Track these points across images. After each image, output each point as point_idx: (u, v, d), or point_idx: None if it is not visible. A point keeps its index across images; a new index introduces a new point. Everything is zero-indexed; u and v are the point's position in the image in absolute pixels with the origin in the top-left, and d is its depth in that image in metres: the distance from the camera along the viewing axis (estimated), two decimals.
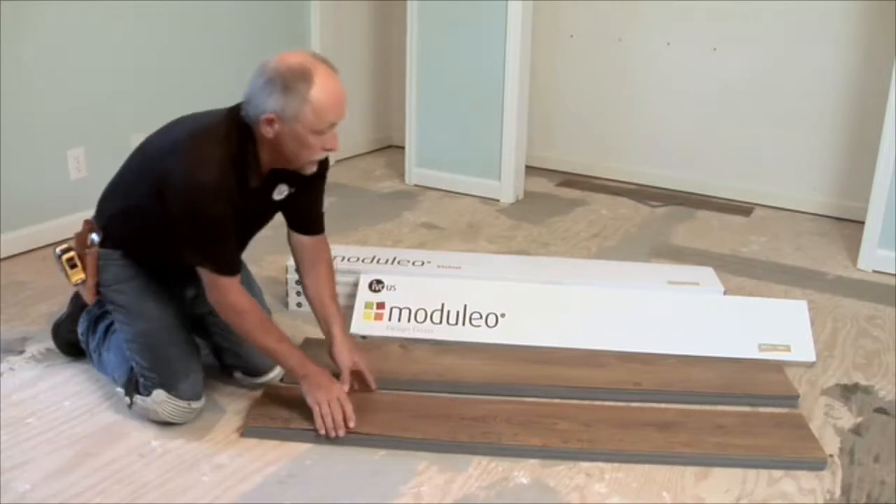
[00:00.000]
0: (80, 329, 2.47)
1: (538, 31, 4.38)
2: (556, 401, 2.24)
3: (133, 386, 2.21)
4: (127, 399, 2.23)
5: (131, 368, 2.22)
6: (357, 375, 2.29)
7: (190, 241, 2.06)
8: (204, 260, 2.08)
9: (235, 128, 2.04)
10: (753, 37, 4.21)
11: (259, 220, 2.29)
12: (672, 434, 2.18)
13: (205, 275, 2.10)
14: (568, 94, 4.78)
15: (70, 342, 2.52)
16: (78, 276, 2.28)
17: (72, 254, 2.28)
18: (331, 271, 2.37)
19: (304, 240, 2.34)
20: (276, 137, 1.99)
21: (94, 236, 2.27)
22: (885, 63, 3.54)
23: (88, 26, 3.43)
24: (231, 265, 2.11)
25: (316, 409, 2.12)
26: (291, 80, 1.93)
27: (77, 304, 2.52)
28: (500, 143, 4.22)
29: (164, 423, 2.17)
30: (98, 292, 2.28)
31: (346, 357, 2.27)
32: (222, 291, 2.10)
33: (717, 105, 4.38)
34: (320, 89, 1.94)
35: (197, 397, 2.20)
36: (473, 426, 2.17)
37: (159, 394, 2.15)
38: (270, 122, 1.97)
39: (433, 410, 2.25)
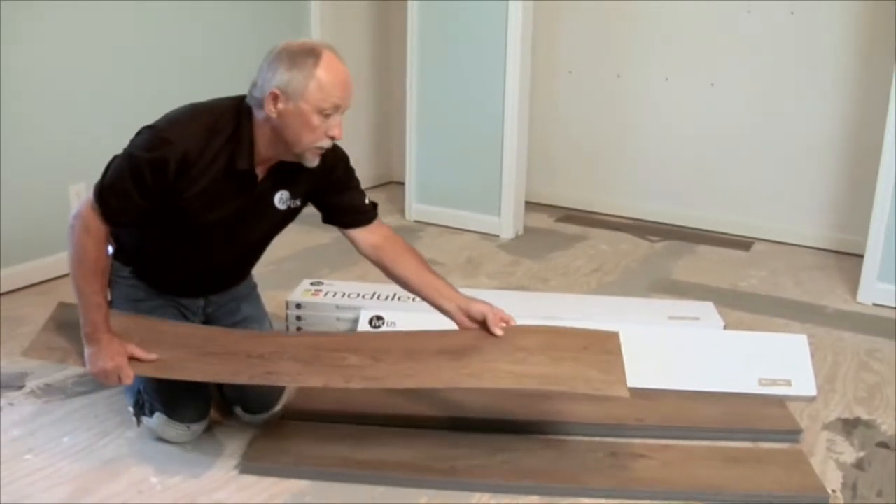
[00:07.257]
0: None
1: (537, 66, 4.42)
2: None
3: (140, 406, 2.22)
4: (135, 419, 2.26)
5: (139, 390, 2.22)
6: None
7: (111, 167, 2.03)
8: (99, 186, 2.01)
9: (235, 109, 2.03)
10: (751, 73, 4.24)
11: (255, 221, 2.16)
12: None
13: (86, 201, 2.02)
14: (567, 129, 4.81)
15: None
16: None
17: None
18: (414, 252, 2.30)
19: (364, 237, 2.28)
20: (280, 118, 1.94)
21: (109, 247, 2.19)
22: (881, 98, 3.57)
23: (89, 59, 3.46)
24: (109, 210, 1.99)
25: (95, 375, 2.05)
26: (298, 57, 1.92)
27: None
28: (500, 178, 4.24)
29: (164, 460, 2.16)
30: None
31: (480, 305, 2.21)
32: (86, 223, 2.00)
33: (715, 140, 4.41)
34: (327, 67, 1.92)
35: (197, 419, 2.20)
36: (260, 363, 2.10)
37: (160, 416, 2.17)
38: (275, 98, 1.92)
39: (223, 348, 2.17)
